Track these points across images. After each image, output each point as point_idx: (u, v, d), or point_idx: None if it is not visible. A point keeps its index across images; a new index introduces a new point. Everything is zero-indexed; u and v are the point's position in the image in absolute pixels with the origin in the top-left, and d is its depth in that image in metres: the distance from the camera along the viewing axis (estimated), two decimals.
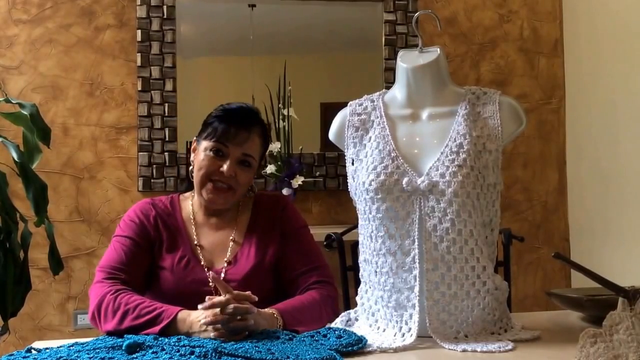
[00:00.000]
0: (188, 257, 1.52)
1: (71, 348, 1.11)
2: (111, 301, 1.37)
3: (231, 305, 1.22)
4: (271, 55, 3.18)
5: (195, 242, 1.56)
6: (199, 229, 1.59)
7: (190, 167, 1.62)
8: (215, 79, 3.18)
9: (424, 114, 1.28)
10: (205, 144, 1.56)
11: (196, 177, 1.57)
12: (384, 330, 1.21)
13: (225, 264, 1.52)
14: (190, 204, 1.63)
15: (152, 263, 1.54)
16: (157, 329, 1.27)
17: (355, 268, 1.51)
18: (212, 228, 1.59)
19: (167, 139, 2.98)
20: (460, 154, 1.19)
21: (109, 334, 1.30)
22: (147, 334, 1.24)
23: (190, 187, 1.66)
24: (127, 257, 1.50)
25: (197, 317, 1.26)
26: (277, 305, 1.39)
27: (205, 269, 1.50)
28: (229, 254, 1.54)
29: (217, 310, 1.22)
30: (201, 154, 1.56)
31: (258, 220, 1.61)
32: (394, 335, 1.18)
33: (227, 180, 1.53)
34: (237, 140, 1.54)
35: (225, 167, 1.52)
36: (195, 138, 1.64)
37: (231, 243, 1.56)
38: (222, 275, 1.50)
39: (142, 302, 1.35)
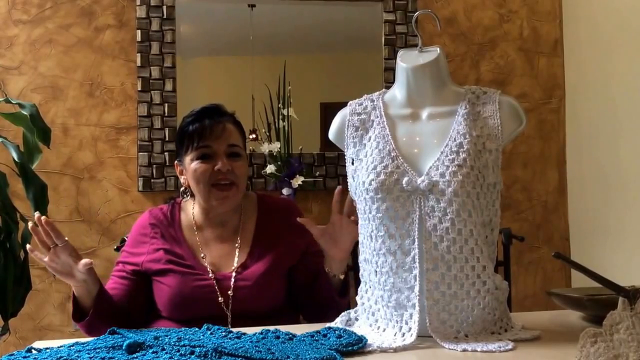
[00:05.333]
0: (193, 266, 1.52)
1: (71, 348, 1.11)
2: None
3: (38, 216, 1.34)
4: (271, 55, 3.18)
5: (202, 255, 1.55)
6: (203, 240, 1.57)
7: (182, 188, 1.61)
8: (215, 79, 3.18)
9: (424, 114, 1.28)
10: (189, 157, 1.55)
11: (198, 190, 1.55)
12: (384, 330, 1.21)
13: (234, 272, 1.51)
14: (192, 213, 1.61)
15: (151, 283, 1.56)
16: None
17: (355, 268, 1.51)
18: (218, 239, 1.58)
19: (167, 139, 2.98)
20: (460, 154, 1.19)
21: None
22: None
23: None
24: (125, 293, 1.54)
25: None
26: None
27: (212, 278, 1.50)
28: (236, 261, 1.53)
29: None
30: (190, 168, 1.55)
31: (265, 225, 1.59)
32: (394, 335, 1.18)
33: (226, 176, 1.52)
34: (215, 135, 1.53)
35: (219, 164, 1.51)
36: (176, 162, 1.63)
37: (237, 251, 1.55)
38: (232, 281, 1.49)
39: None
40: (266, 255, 1.53)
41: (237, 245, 1.56)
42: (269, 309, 1.50)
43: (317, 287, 1.53)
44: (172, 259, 1.53)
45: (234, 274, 1.51)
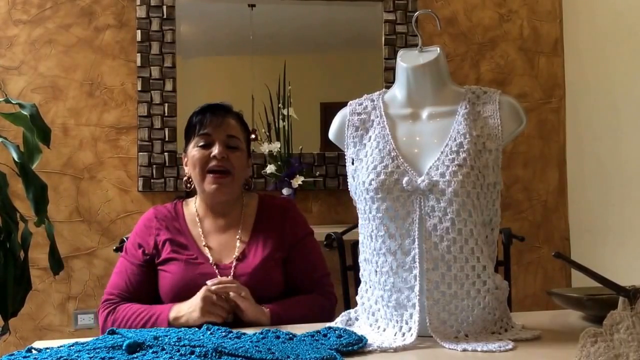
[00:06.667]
0: (195, 255, 1.58)
1: (71, 348, 1.11)
2: (110, 322, 1.50)
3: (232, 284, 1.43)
4: (271, 55, 3.18)
5: (204, 243, 1.61)
6: (206, 231, 1.64)
7: (185, 177, 1.69)
8: (215, 79, 3.18)
9: (424, 114, 1.28)
10: (191, 145, 1.64)
11: (195, 176, 1.63)
12: (384, 330, 1.21)
13: (235, 261, 1.57)
14: (195, 207, 1.68)
15: (156, 274, 1.60)
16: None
17: (355, 267, 1.51)
18: (219, 230, 1.64)
19: (167, 139, 2.98)
20: (461, 154, 1.19)
21: None
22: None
23: (189, 194, 1.72)
24: (132, 282, 1.59)
25: (190, 309, 1.40)
26: (273, 303, 1.49)
27: (214, 266, 1.56)
28: (236, 251, 1.60)
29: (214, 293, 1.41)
30: (190, 155, 1.64)
31: (264, 221, 1.66)
32: (394, 335, 1.18)
33: (221, 163, 1.59)
34: (216, 124, 1.61)
35: (215, 150, 1.59)
36: (183, 153, 1.71)
37: (238, 242, 1.61)
38: (232, 270, 1.56)
39: (135, 313, 1.48)
40: (264, 246, 1.60)
41: (237, 236, 1.62)
42: (268, 296, 1.53)
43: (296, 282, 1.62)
44: (176, 248, 1.59)
45: (234, 262, 1.57)
